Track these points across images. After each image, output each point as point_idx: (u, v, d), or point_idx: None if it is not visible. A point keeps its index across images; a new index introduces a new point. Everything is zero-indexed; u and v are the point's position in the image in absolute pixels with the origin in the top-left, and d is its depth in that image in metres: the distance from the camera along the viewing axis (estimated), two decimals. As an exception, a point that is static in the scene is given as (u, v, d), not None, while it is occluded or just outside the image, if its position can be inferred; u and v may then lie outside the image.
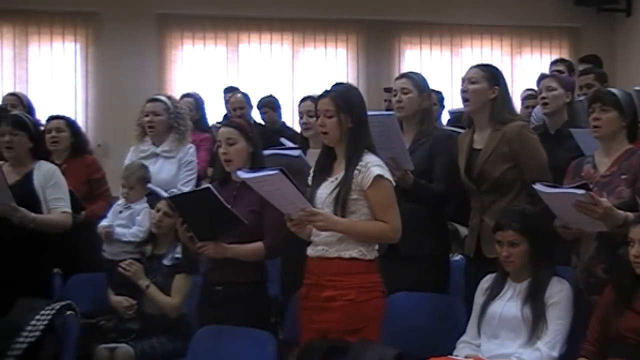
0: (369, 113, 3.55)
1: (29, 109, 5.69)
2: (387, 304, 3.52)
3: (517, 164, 3.84)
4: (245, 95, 7.04)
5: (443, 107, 6.43)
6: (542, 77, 5.14)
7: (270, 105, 7.32)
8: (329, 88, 3.50)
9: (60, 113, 5.39)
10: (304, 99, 4.85)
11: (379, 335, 3.42)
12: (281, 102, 7.56)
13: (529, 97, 6.24)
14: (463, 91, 3.96)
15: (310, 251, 3.49)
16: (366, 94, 3.67)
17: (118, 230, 4.51)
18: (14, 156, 4.29)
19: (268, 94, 7.51)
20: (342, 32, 9.05)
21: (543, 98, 4.72)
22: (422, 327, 3.90)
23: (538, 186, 3.37)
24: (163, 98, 5.15)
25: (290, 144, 5.25)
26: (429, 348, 3.62)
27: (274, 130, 6.87)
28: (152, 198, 4.67)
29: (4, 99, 5.79)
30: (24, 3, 8.37)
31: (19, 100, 5.74)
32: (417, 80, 4.19)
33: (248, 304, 3.73)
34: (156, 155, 4.98)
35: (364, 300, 3.35)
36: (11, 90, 7.41)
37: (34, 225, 4.10)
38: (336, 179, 3.43)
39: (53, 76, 8.57)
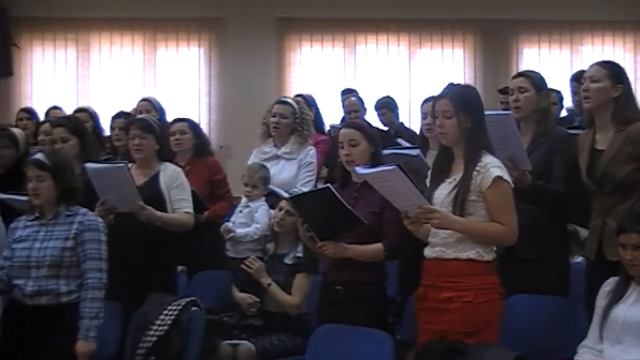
0: (486, 113, 3.52)
1: (160, 112, 5.89)
2: (506, 306, 3.48)
3: (643, 165, 3.73)
4: (359, 99, 7.08)
5: (562, 106, 6.27)
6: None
7: (387, 106, 7.33)
8: (446, 88, 3.49)
9: (184, 116, 5.56)
10: (427, 100, 4.77)
11: (497, 338, 3.38)
12: (399, 103, 7.56)
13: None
14: (584, 90, 3.86)
15: (428, 252, 3.48)
16: (483, 94, 3.63)
17: (238, 231, 4.64)
18: (142, 158, 4.45)
19: (385, 95, 7.53)
20: (459, 32, 8.96)
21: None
22: (542, 331, 3.83)
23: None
24: (291, 102, 5.26)
25: (408, 145, 5.24)
26: (548, 352, 3.57)
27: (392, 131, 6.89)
28: (273, 198, 4.80)
29: (138, 104, 6.03)
30: (153, 11, 8.71)
31: (152, 105, 5.96)
32: (534, 79, 4.11)
33: (367, 304, 3.77)
34: (278, 157, 5.10)
35: (482, 302, 3.32)
36: (140, 93, 7.72)
37: (159, 223, 4.25)
38: (454, 179, 3.41)
39: (179, 80, 8.88)
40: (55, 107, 6.79)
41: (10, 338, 3.67)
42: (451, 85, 3.51)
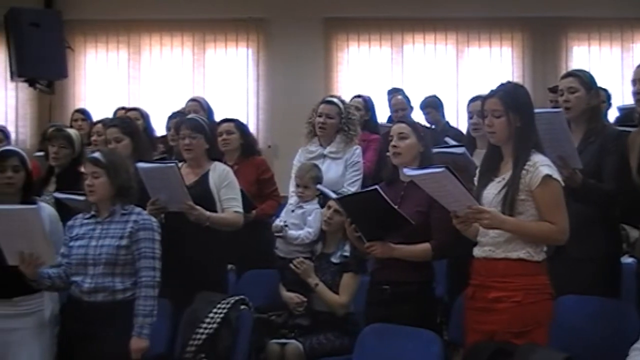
0: (537, 110, 3.50)
1: (208, 112, 5.95)
2: (555, 307, 3.45)
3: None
4: (406, 97, 7.06)
5: (610, 105, 6.18)
6: None
7: (433, 105, 7.31)
8: (495, 87, 3.48)
9: (231, 116, 5.61)
10: (473, 99, 4.77)
11: (547, 339, 3.36)
12: (446, 103, 7.53)
13: None
14: (635, 93, 3.81)
15: (477, 252, 3.47)
16: (532, 93, 3.59)
17: (291, 232, 4.67)
18: (192, 157, 4.51)
19: (431, 94, 7.51)
20: (507, 31, 8.89)
21: None
22: (592, 332, 3.80)
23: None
24: (337, 101, 5.25)
25: (454, 143, 5.22)
26: (599, 354, 3.53)
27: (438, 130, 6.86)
28: (320, 198, 4.81)
29: (186, 104, 6.10)
30: (202, 13, 8.80)
31: (200, 105, 6.02)
32: (584, 78, 4.07)
33: (414, 304, 3.78)
34: (323, 156, 5.11)
35: (531, 302, 3.30)
36: (190, 93, 7.81)
37: (209, 223, 4.30)
38: (503, 179, 3.40)
39: (227, 80, 8.95)
40: (122, 108, 6.91)
41: (68, 332, 3.75)
42: (501, 84, 3.50)
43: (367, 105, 6.27)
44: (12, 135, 7.49)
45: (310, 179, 4.78)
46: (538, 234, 3.34)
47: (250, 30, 8.94)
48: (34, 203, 3.85)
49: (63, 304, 3.84)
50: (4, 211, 3.61)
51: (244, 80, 8.96)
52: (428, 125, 7.12)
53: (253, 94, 8.94)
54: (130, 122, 5.09)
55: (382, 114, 7.30)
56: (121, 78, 9.00)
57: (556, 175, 3.35)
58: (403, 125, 3.95)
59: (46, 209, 3.96)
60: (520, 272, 3.32)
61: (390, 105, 7.32)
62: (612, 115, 6.26)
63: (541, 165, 3.32)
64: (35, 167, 4.40)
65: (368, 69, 8.89)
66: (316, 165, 4.91)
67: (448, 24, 8.87)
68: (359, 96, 6.46)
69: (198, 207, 4.22)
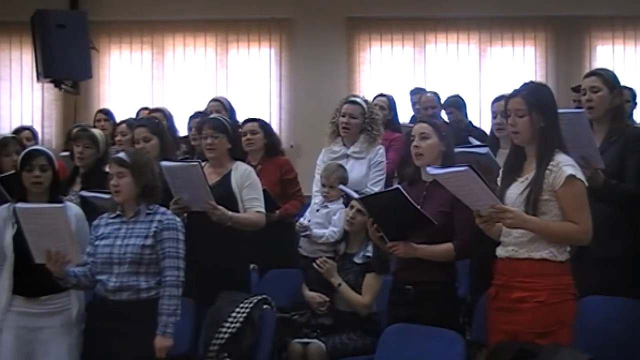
0: (558, 111, 3.49)
1: (231, 112, 5.97)
2: (579, 307, 3.44)
3: None
4: (436, 95, 7.06)
5: (635, 104, 6.14)
6: None
7: (455, 104, 7.28)
8: (519, 87, 3.47)
9: (255, 116, 5.64)
10: (497, 99, 4.73)
11: (571, 340, 3.35)
12: (468, 102, 7.50)
13: None
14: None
15: (500, 251, 3.47)
16: (555, 93, 3.58)
17: (315, 231, 4.68)
18: (215, 157, 4.52)
19: (453, 94, 7.48)
20: (530, 30, 8.82)
21: None
22: (616, 333, 3.77)
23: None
24: (361, 101, 5.23)
25: (478, 143, 5.20)
26: (623, 355, 3.52)
27: (461, 129, 6.84)
28: (345, 198, 4.81)
29: (208, 105, 6.13)
30: (225, 13, 8.83)
31: (222, 105, 6.05)
32: (607, 77, 4.05)
33: (437, 304, 3.78)
34: (347, 156, 5.10)
35: (555, 302, 3.30)
36: (213, 93, 7.84)
37: (231, 223, 4.31)
38: (526, 179, 3.39)
39: (250, 80, 8.97)
40: (145, 108, 6.96)
41: (93, 330, 3.80)
42: (524, 83, 3.50)
43: (390, 104, 6.27)
44: (38, 136, 7.55)
45: (336, 180, 4.78)
46: (561, 234, 3.33)
47: (273, 31, 8.96)
48: (61, 202, 3.89)
49: (89, 302, 3.89)
50: (31, 210, 3.66)
51: (266, 80, 8.98)
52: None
53: (275, 94, 8.96)
54: (157, 121, 5.13)
55: (405, 114, 7.30)
56: (145, 78, 9.05)
57: (580, 175, 3.34)
58: (424, 125, 3.94)
59: (72, 208, 4.00)
60: (543, 272, 3.32)
61: (413, 105, 7.31)
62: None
63: (565, 165, 3.31)
64: (61, 167, 4.45)
65: (390, 69, 8.87)
66: (342, 166, 4.91)
67: (471, 23, 8.83)
68: (382, 95, 6.46)
69: (220, 207, 4.23)
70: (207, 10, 8.81)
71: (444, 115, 7.05)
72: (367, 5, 8.78)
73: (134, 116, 6.50)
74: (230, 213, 4.29)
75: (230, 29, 8.97)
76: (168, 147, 4.77)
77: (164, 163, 4.30)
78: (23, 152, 4.07)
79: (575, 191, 3.32)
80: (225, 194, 4.37)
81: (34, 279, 3.76)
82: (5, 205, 3.98)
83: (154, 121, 5.06)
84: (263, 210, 4.50)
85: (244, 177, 4.49)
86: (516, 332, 3.34)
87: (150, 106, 7.32)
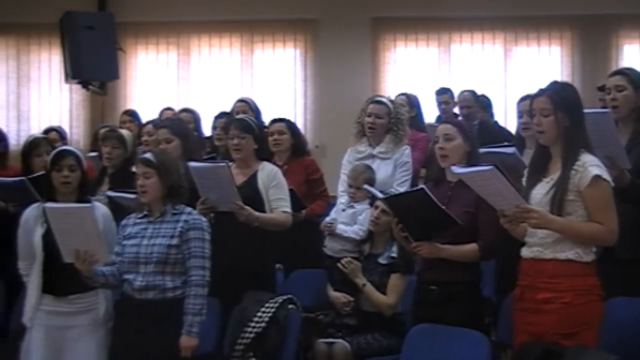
0: (585, 111, 3.47)
1: (256, 113, 6.00)
2: (605, 308, 3.42)
3: None
4: (473, 93, 7.02)
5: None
6: None
7: (481, 105, 7.27)
8: (544, 86, 3.46)
9: (282, 116, 5.65)
10: (523, 98, 4.71)
11: (596, 341, 3.33)
12: (494, 102, 7.48)
13: None
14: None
15: (525, 252, 3.46)
16: (581, 92, 3.56)
17: (340, 226, 4.68)
18: (241, 157, 4.54)
19: (480, 94, 7.46)
20: (556, 29, 8.78)
21: None
22: (643, 334, 3.76)
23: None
24: (386, 101, 5.23)
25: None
26: (650, 357, 3.49)
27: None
28: (370, 198, 4.81)
29: (234, 105, 6.17)
30: (250, 14, 8.87)
31: (248, 106, 6.08)
32: (632, 76, 4.01)
33: (462, 304, 3.77)
34: (372, 156, 5.10)
35: (580, 303, 3.29)
36: (238, 93, 7.88)
37: (257, 223, 4.33)
38: (552, 179, 3.38)
39: (275, 81, 9.01)
40: (168, 108, 7.01)
41: (121, 329, 3.84)
42: (550, 83, 3.48)
43: (410, 102, 6.25)
44: (67, 136, 7.63)
45: (363, 181, 4.78)
46: (587, 234, 3.32)
47: (298, 31, 8.99)
48: (89, 202, 3.92)
49: (116, 301, 3.93)
50: (59, 209, 3.71)
51: (291, 80, 9.02)
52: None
53: (301, 95, 8.99)
54: (180, 122, 5.15)
55: (430, 114, 7.29)
56: (170, 79, 9.13)
57: (606, 175, 3.32)
58: (449, 126, 3.93)
59: (100, 209, 4.04)
60: (569, 273, 3.31)
61: (438, 105, 7.30)
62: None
63: (591, 166, 3.29)
64: (88, 168, 4.49)
65: (415, 69, 8.87)
66: (369, 167, 4.90)
67: (496, 22, 8.80)
68: (403, 94, 6.45)
69: (247, 208, 4.25)
70: (233, 10, 8.85)
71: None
72: (392, 6, 8.78)
73: (157, 116, 6.56)
74: (257, 213, 4.31)
75: (256, 29, 9.02)
76: (191, 148, 4.79)
77: (192, 164, 4.33)
78: (52, 153, 4.12)
79: (601, 192, 3.30)
80: (252, 194, 4.39)
81: (63, 278, 3.81)
82: (35, 205, 4.04)
83: (177, 122, 5.08)
84: (289, 210, 4.52)
85: (271, 177, 4.51)
86: (541, 333, 3.33)
87: (176, 106, 7.38)
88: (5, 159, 5.44)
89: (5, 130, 6.43)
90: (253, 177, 4.51)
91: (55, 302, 3.89)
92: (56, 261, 3.73)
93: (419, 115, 6.40)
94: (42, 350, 3.84)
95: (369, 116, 5.12)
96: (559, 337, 3.28)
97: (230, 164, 4.43)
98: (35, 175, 4.75)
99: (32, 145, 5.23)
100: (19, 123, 9.17)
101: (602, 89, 5.80)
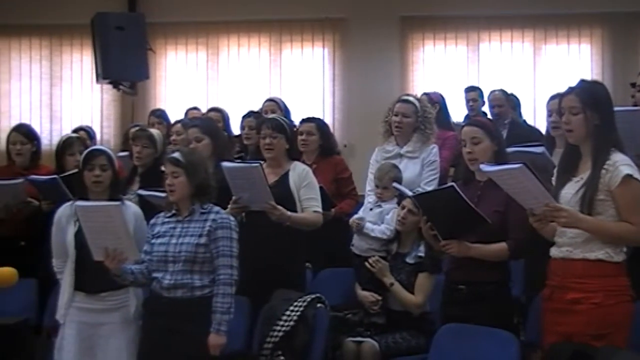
0: (615, 109, 3.44)
1: (286, 112, 6.02)
2: (635, 309, 3.39)
3: None
4: (504, 92, 7.00)
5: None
6: None
7: (511, 104, 7.24)
8: (573, 85, 3.43)
9: (312, 116, 5.65)
10: (553, 97, 4.61)
11: (627, 342, 3.30)
12: (523, 101, 7.43)
13: None
14: None
15: (554, 252, 3.44)
16: (612, 91, 3.52)
17: (368, 224, 4.68)
18: (273, 157, 4.56)
19: (509, 92, 7.41)
20: (586, 27, 8.71)
21: None
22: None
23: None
24: (414, 100, 5.20)
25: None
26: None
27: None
28: (398, 197, 4.81)
29: (264, 105, 6.19)
30: (279, 13, 8.91)
31: (277, 105, 6.10)
32: None
33: (490, 304, 3.75)
34: (400, 155, 5.07)
35: (610, 304, 3.26)
36: (267, 93, 7.93)
37: (289, 222, 4.35)
38: (581, 178, 3.36)
39: (303, 80, 9.04)
40: (194, 108, 7.06)
41: (150, 326, 3.87)
42: (579, 81, 3.46)
43: (431, 100, 6.22)
44: (97, 136, 7.72)
45: (389, 180, 4.76)
46: (616, 234, 3.29)
47: (326, 30, 9.00)
48: (120, 201, 3.97)
49: (146, 299, 3.96)
50: (89, 208, 3.76)
51: (320, 80, 9.03)
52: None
53: (329, 94, 9.01)
54: (210, 122, 5.18)
55: (459, 112, 7.27)
56: (200, 78, 9.19)
57: (637, 175, 3.29)
58: (475, 128, 3.89)
59: (131, 208, 4.08)
60: (599, 274, 3.28)
61: (467, 103, 7.27)
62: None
63: (621, 165, 3.27)
64: (119, 167, 4.54)
65: (444, 68, 8.85)
66: (396, 166, 4.88)
67: (525, 21, 8.75)
68: (425, 94, 6.42)
69: (280, 207, 4.27)
70: (261, 10, 8.89)
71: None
72: (421, 4, 8.77)
73: (182, 116, 6.60)
74: (289, 213, 4.32)
75: (284, 29, 9.06)
76: (221, 147, 4.83)
77: (225, 164, 4.36)
78: (85, 152, 4.17)
79: (632, 191, 3.27)
80: (283, 194, 4.41)
81: (94, 276, 3.85)
82: (68, 204, 4.09)
83: (207, 121, 5.11)
84: (320, 210, 4.54)
85: (302, 177, 4.52)
86: (571, 334, 3.30)
87: (205, 106, 7.42)
88: (38, 158, 5.51)
89: (38, 129, 6.51)
90: (285, 177, 4.53)
91: (87, 299, 3.95)
92: (88, 259, 3.77)
93: (444, 113, 6.37)
94: (74, 346, 3.90)
95: (396, 115, 5.10)
96: (588, 338, 3.25)
97: (263, 163, 4.44)
98: (67, 173, 4.81)
99: (66, 145, 5.31)
100: (52, 123, 9.29)
101: (634, 85, 5.75)
